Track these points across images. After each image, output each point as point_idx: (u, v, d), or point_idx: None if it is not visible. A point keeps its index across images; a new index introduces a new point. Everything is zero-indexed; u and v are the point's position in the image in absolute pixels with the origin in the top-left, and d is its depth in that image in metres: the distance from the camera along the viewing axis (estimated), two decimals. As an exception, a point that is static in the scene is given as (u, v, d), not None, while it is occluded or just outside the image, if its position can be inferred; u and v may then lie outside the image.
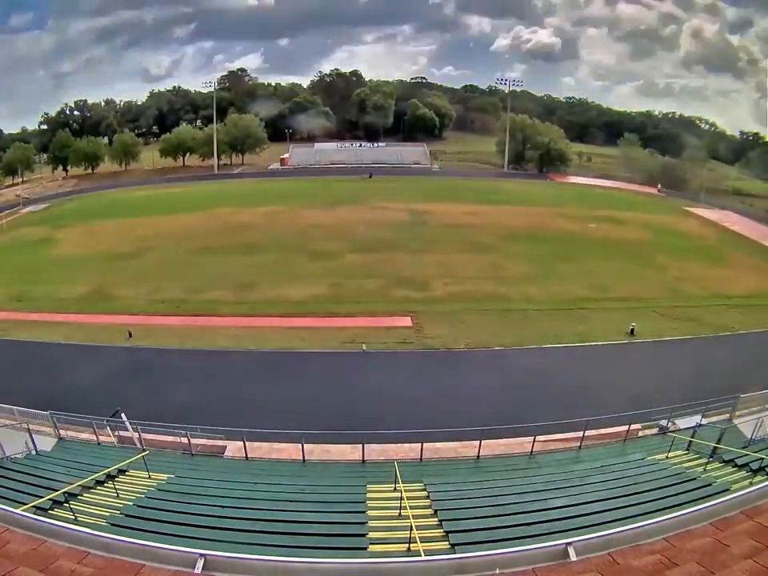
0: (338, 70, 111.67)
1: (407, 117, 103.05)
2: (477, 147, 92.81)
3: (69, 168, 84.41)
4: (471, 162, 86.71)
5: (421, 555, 6.68)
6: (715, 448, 12.45)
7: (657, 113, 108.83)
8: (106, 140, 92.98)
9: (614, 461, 13.45)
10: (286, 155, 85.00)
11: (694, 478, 10.60)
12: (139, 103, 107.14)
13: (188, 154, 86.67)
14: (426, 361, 24.36)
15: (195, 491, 10.90)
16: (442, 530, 8.51)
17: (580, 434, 15.61)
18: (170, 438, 16.26)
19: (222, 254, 39.16)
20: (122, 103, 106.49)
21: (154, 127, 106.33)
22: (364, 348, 24.69)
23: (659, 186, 70.70)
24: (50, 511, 8.62)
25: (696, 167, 72.26)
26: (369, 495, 10.62)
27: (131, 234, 45.56)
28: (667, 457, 12.94)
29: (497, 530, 8.23)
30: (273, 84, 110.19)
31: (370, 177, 72.90)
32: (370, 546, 7.95)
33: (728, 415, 16.81)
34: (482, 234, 43.61)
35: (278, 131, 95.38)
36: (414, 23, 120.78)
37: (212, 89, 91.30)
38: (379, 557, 7.33)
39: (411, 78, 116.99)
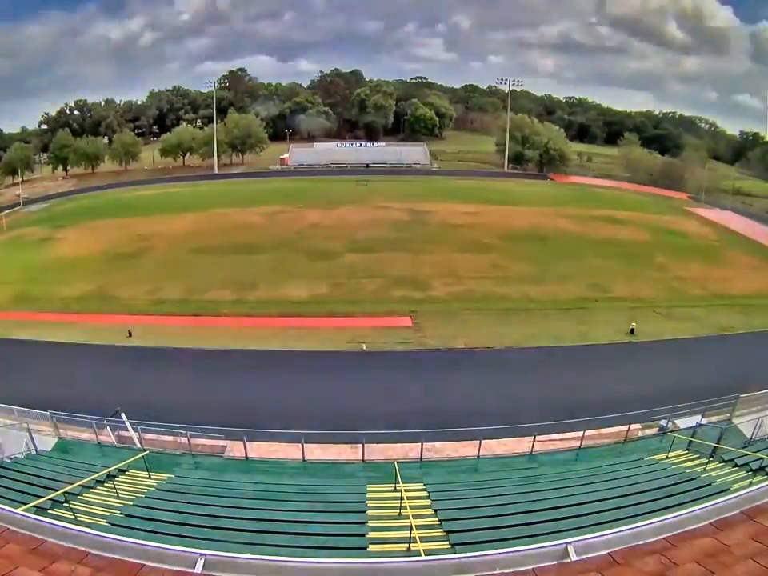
0: (338, 69, 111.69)
1: (407, 117, 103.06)
2: (477, 147, 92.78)
3: (69, 168, 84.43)
4: (471, 162, 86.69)
5: (421, 555, 6.68)
6: (715, 448, 12.45)
7: (657, 113, 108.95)
8: (106, 140, 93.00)
9: (614, 461, 13.46)
10: (286, 155, 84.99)
11: (694, 478, 10.60)
12: (139, 103, 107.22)
13: (188, 154, 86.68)
14: (425, 360, 24.34)
15: (195, 491, 10.90)
16: (442, 530, 8.51)
17: (580, 433, 15.61)
18: (170, 438, 16.25)
19: (222, 254, 39.15)
20: (121, 103, 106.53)
21: (154, 127, 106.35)
22: (364, 348, 24.69)
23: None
24: (49, 511, 8.62)
25: (696, 167, 72.27)
26: (369, 495, 10.62)
27: (131, 234, 45.53)
28: (667, 457, 12.94)
29: (497, 530, 8.22)
30: (273, 84, 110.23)
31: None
32: (370, 546, 7.95)
33: (728, 415, 16.80)
34: (482, 234, 43.59)
35: (278, 131, 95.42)
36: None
37: (212, 89, 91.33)
38: (379, 557, 7.33)
39: (411, 78, 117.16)
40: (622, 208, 55.77)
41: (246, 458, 15.41)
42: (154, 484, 11.57)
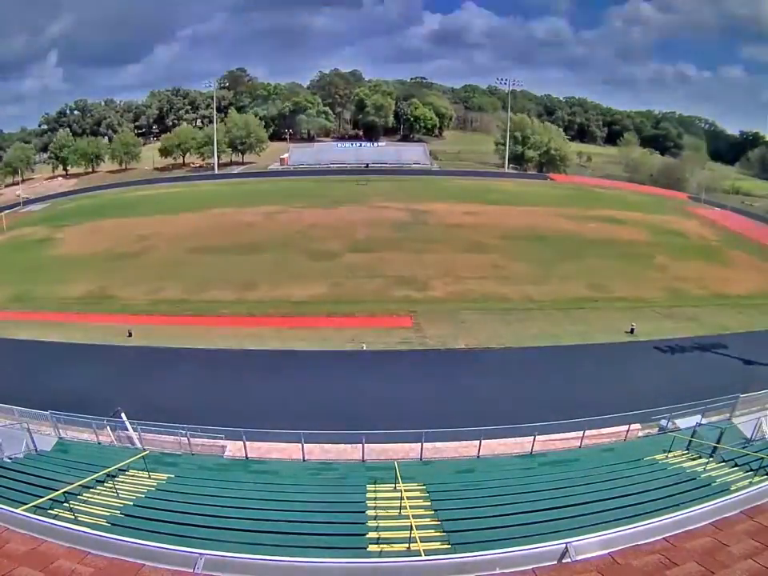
0: (337, 69, 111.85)
1: (407, 116, 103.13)
2: (477, 147, 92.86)
3: (69, 168, 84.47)
4: (471, 162, 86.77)
5: (421, 555, 6.68)
6: (715, 448, 12.45)
7: (657, 112, 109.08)
8: (106, 140, 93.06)
9: (613, 461, 13.44)
10: (285, 155, 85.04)
11: (694, 478, 10.60)
12: (139, 103, 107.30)
13: (188, 154, 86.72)
14: (425, 360, 24.34)
15: (195, 491, 10.90)
16: (442, 530, 8.51)
17: (580, 433, 15.62)
18: (170, 438, 16.25)
19: (222, 254, 39.16)
20: (121, 103, 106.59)
21: (154, 127, 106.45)
22: (364, 348, 24.69)
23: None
24: (49, 511, 8.61)
25: (696, 167, 72.34)
26: (369, 495, 10.61)
27: (131, 234, 45.56)
28: (667, 457, 12.94)
29: (497, 530, 8.22)
30: (273, 84, 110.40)
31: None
32: (370, 546, 7.95)
33: (728, 415, 16.80)
34: (482, 234, 43.61)
35: (278, 131, 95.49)
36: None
37: (212, 89, 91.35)
38: (379, 557, 7.33)
39: (411, 78, 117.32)
40: (622, 208, 55.80)
41: (246, 458, 15.42)
42: (154, 484, 11.56)
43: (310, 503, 10.20)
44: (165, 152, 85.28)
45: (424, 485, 11.17)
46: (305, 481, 12.97)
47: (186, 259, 38.59)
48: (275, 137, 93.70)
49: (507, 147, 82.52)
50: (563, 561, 2.57)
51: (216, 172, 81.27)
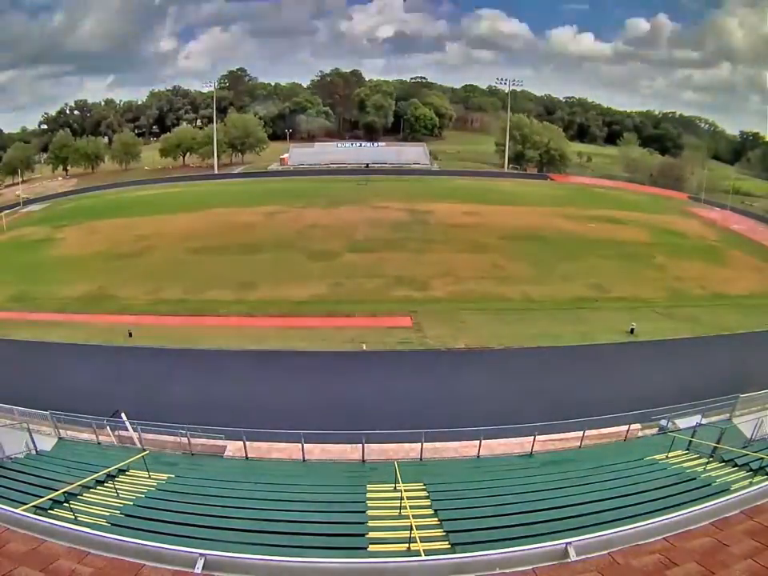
0: (338, 69, 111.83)
1: (407, 116, 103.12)
2: (477, 147, 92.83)
3: (69, 168, 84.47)
4: (471, 162, 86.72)
5: (421, 555, 6.67)
6: (715, 448, 12.45)
7: (657, 113, 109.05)
8: (106, 140, 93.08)
9: (613, 461, 13.43)
10: (285, 155, 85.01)
11: (694, 478, 10.59)
12: (139, 103, 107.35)
13: (188, 154, 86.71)
14: (425, 360, 24.34)
15: (195, 491, 10.89)
16: (442, 530, 8.50)
17: (580, 433, 15.62)
18: (170, 438, 16.25)
19: (222, 254, 39.16)
20: (121, 103, 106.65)
21: (154, 127, 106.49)
22: (364, 348, 24.69)
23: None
24: (49, 511, 8.62)
25: (695, 167, 72.35)
26: (369, 495, 10.61)
27: (131, 234, 45.56)
28: (667, 457, 12.93)
29: (497, 530, 8.22)
30: (273, 84, 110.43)
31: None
32: (370, 546, 7.94)
33: (728, 415, 16.80)
34: (482, 234, 43.61)
35: (278, 131, 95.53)
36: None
37: (212, 88, 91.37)
38: (379, 557, 7.32)
39: (411, 78, 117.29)
40: (622, 208, 55.81)
41: (246, 457, 15.41)
42: (154, 484, 11.56)
43: (310, 503, 10.20)
44: (165, 152, 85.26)
45: (424, 485, 11.16)
46: (305, 481, 12.96)
47: (185, 259, 38.59)
48: (275, 137, 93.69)
49: (507, 147, 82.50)
50: (563, 561, 2.57)
51: (216, 172, 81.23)
